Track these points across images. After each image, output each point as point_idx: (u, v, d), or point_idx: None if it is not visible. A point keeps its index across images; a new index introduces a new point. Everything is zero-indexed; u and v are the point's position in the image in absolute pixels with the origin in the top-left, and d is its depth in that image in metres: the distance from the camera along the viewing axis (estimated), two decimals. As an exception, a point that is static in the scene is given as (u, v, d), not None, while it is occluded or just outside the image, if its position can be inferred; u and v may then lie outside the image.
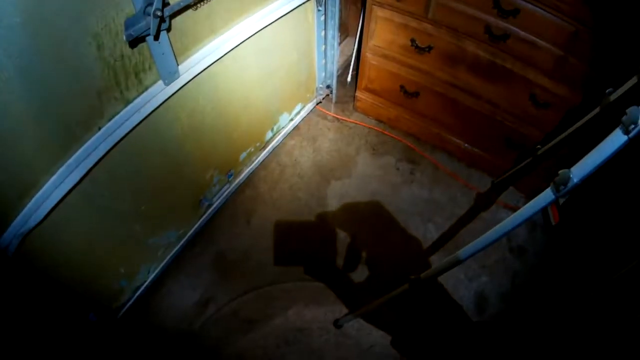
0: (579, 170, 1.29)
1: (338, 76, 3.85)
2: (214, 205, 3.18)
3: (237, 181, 3.31)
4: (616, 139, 1.21)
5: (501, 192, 3.50)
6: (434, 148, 3.75)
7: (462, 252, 1.74)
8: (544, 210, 3.33)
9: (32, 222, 1.86)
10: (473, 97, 3.15)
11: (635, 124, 1.15)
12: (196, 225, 3.10)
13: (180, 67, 2.20)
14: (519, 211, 1.50)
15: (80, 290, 2.39)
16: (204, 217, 3.14)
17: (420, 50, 3.09)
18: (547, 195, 1.41)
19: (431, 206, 3.40)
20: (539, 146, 2.87)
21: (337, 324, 2.79)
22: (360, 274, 3.05)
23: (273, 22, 2.72)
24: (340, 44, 3.56)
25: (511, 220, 1.52)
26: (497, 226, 1.58)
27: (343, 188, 3.45)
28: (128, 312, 2.80)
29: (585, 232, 3.11)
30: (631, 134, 1.18)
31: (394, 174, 3.57)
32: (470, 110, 3.23)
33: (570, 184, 1.31)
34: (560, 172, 1.32)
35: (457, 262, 1.78)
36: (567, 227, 3.13)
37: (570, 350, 2.77)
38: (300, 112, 3.79)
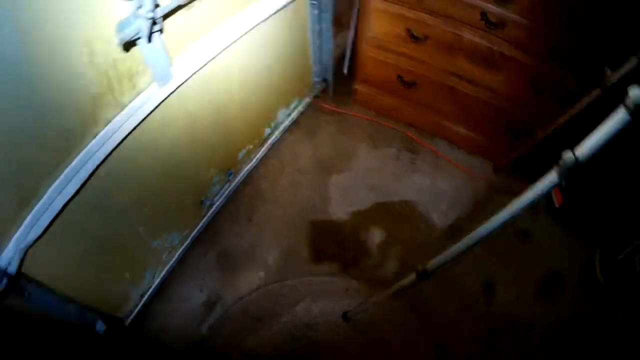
0: (583, 152, 1.28)
1: (334, 69, 3.83)
2: (215, 205, 3.16)
3: (237, 179, 3.28)
4: (619, 119, 1.20)
5: (505, 178, 3.49)
6: (434, 137, 3.74)
7: (467, 240, 1.73)
8: (547, 193, 3.30)
9: (34, 235, 1.84)
10: (471, 85, 3.13)
11: (638, 104, 1.13)
12: (199, 226, 3.07)
13: (173, 68, 2.17)
14: (523, 195, 1.51)
15: (85, 300, 2.37)
16: (206, 217, 3.11)
17: (416, 40, 3.06)
18: (551, 177, 1.41)
19: (434, 195, 3.39)
20: (539, 130, 2.86)
21: (346, 317, 2.77)
22: (366, 267, 3.04)
23: (267, 17, 2.70)
24: (335, 36, 3.53)
25: (515, 204, 1.53)
26: (502, 212, 1.58)
27: (345, 181, 3.44)
28: (136, 319, 2.77)
29: (590, 213, 3.11)
30: (635, 115, 1.16)
31: (396, 165, 3.56)
32: (469, 98, 3.20)
33: (573, 166, 1.30)
34: (563, 153, 1.31)
35: (462, 251, 1.77)
36: (571, 209, 3.13)
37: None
38: (298, 106, 3.76)
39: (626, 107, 1.16)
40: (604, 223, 3.12)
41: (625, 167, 2.82)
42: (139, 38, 1.86)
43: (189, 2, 2.05)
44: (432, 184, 3.46)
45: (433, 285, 2.86)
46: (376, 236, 3.16)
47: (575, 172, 1.32)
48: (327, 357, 2.73)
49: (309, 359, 2.71)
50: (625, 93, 1.15)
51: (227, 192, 3.22)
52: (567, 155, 1.30)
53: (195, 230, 3.06)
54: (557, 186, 1.47)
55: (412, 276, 2.07)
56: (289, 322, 2.81)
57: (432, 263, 1.94)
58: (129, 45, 1.87)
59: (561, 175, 1.36)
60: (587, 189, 2.94)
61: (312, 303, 2.87)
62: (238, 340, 2.77)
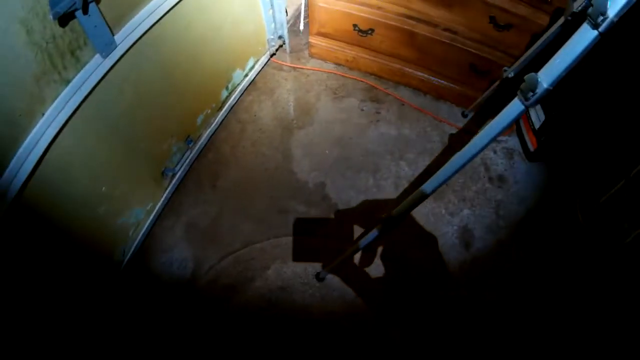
0: (548, 73, 1.18)
1: (290, 25, 3.74)
2: (178, 175, 3.08)
3: (197, 146, 3.19)
4: (585, 35, 1.10)
5: (474, 122, 3.43)
6: (398, 84, 3.66)
7: (432, 180, 1.68)
8: (521, 137, 3.27)
9: None
10: (430, 27, 3.05)
11: (603, 14, 1.03)
12: (163, 198, 3.00)
13: (116, 37, 2.08)
14: (487, 127, 1.39)
15: None
16: (169, 188, 3.04)
17: (367, -16, 2.96)
18: (515, 105, 1.30)
19: (401, 143, 3.32)
20: (506, 68, 2.78)
21: (319, 277, 2.73)
22: (335, 223, 2.98)
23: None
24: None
25: (480, 137, 1.43)
26: (466, 146, 1.48)
27: (307, 137, 3.36)
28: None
29: (566, 156, 3.07)
30: (602, 27, 1.06)
31: (359, 116, 3.49)
32: (430, 40, 3.13)
33: (539, 90, 1.20)
34: (526, 77, 1.21)
35: (426, 195, 1.71)
36: (546, 152, 3.08)
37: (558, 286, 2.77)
38: (254, 66, 3.66)
39: (590, 18, 1.07)
40: (583, 166, 3.08)
41: (602, 108, 2.78)
42: (74, 10, 1.77)
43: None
44: (398, 132, 3.38)
45: (409, 237, 2.86)
46: (343, 191, 3.10)
47: (541, 98, 1.22)
48: (305, 319, 2.67)
49: (287, 322, 2.66)
50: (590, 5, 1.06)
51: (188, 160, 3.13)
52: (530, 78, 1.20)
53: (160, 203, 2.99)
54: (530, 130, 1.38)
55: (378, 227, 2.00)
56: (262, 286, 2.76)
57: (397, 210, 1.87)
58: (65, 19, 1.79)
59: (526, 102, 1.26)
60: (564, 132, 2.91)
61: (283, 265, 2.82)
62: (213, 311, 2.71)
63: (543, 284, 2.77)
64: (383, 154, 3.26)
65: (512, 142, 3.29)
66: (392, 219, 1.90)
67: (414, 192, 1.75)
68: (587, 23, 1.08)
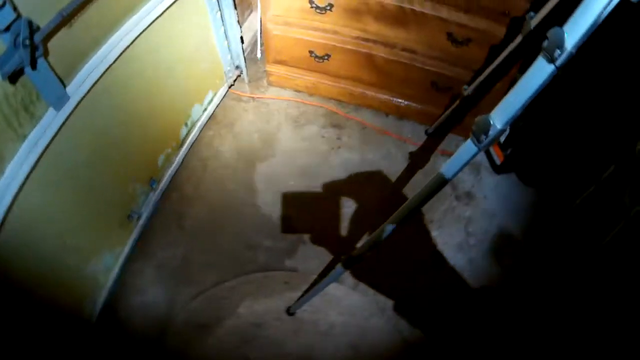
0: (501, 115, 1.16)
1: (247, 52, 3.72)
2: (143, 217, 3.04)
3: (160, 187, 3.16)
4: (540, 70, 1.06)
5: (438, 139, 3.43)
6: (359, 107, 3.65)
7: (392, 219, 1.64)
8: (486, 151, 3.28)
9: None
10: (388, 47, 3.06)
11: (561, 48, 0.99)
12: (130, 241, 2.96)
13: (68, 88, 2.05)
14: (442, 169, 1.37)
15: None
16: (136, 231, 3.00)
17: (320, 10, 2.96)
18: (468, 148, 1.27)
19: (365, 168, 3.32)
20: (465, 86, 2.79)
21: (289, 311, 2.72)
22: (302, 256, 2.97)
23: (160, 15, 2.57)
24: (245, 20, 3.42)
25: (433, 182, 1.41)
26: (421, 190, 1.47)
27: (270, 168, 3.34)
28: None
29: (535, 165, 3.08)
30: (558, 62, 1.01)
31: (321, 143, 3.47)
32: (388, 62, 3.14)
33: (492, 132, 1.17)
34: (477, 118, 1.19)
35: (387, 234, 1.68)
36: (513, 164, 3.09)
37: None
38: (213, 99, 3.64)
39: (546, 52, 1.02)
40: (552, 172, 3.09)
41: (567, 115, 2.79)
42: (22, 67, 1.75)
43: (70, 19, 1.94)
44: (361, 157, 3.37)
45: (378, 263, 2.84)
46: (309, 222, 3.09)
47: (494, 139, 1.20)
48: (281, 353, 2.67)
49: (261, 356, 2.66)
50: (544, 37, 1.02)
51: (152, 201, 3.09)
52: (482, 121, 1.18)
53: (128, 247, 2.95)
54: (496, 144, 1.36)
55: (339, 265, 2.00)
56: (235, 325, 2.74)
57: (358, 250, 1.87)
58: (15, 76, 1.76)
59: (479, 144, 1.23)
60: (530, 142, 2.92)
61: (254, 301, 2.81)
62: (188, 352, 2.69)
63: (519, 300, 2.77)
64: (347, 180, 3.25)
65: (478, 157, 3.27)
66: (352, 259, 1.90)
67: (377, 230, 1.73)
68: (543, 57, 1.04)
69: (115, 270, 2.86)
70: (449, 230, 3.02)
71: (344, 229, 3.04)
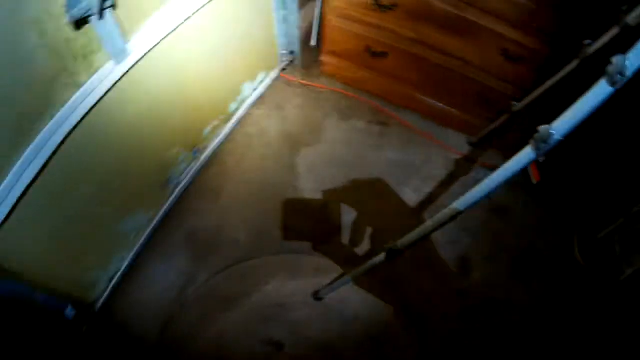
0: (561, 126, 1.21)
1: (302, 41, 3.74)
2: (182, 184, 3.08)
3: (203, 157, 3.20)
4: (601, 91, 1.13)
5: (479, 151, 3.44)
6: (406, 109, 3.65)
7: (439, 217, 1.69)
8: (524, 170, 3.28)
9: None
10: (442, 55, 3.05)
11: (622, 74, 1.06)
12: (165, 206, 3.00)
13: (129, 44, 2.08)
14: (496, 172, 1.44)
15: (53, 286, 2.33)
16: (173, 196, 3.04)
17: (383, 8, 2.97)
18: (527, 153, 1.34)
19: (406, 169, 3.33)
20: (514, 103, 2.80)
21: (317, 296, 2.74)
22: (336, 244, 2.98)
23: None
24: (303, 7, 3.44)
25: (488, 182, 1.47)
26: (475, 188, 1.53)
27: (313, 155, 3.36)
28: (105, 303, 2.73)
29: (568, 190, 3.08)
30: (618, 85, 1.09)
31: (365, 137, 3.48)
32: (441, 68, 3.13)
33: (551, 141, 1.23)
34: (540, 128, 1.24)
35: (434, 229, 1.73)
36: (548, 186, 3.10)
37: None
38: (264, 80, 3.66)
39: (608, 76, 1.09)
40: (583, 201, 3.09)
41: (605, 145, 2.79)
42: (90, 15, 1.77)
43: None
44: (403, 158, 3.38)
45: (407, 262, 2.87)
46: (346, 213, 3.10)
47: (552, 148, 1.25)
48: (300, 337, 2.68)
49: (281, 339, 2.67)
50: (607, 64, 1.08)
51: (193, 170, 3.14)
52: (543, 130, 1.23)
53: (162, 211, 2.99)
54: (533, 162, 1.40)
55: (382, 255, 2.02)
56: (259, 301, 2.77)
57: (403, 241, 1.89)
58: (80, 23, 1.78)
59: (537, 151, 1.29)
60: (566, 166, 2.92)
61: (283, 282, 2.83)
62: (208, 322, 2.72)
63: (538, 318, 2.78)
64: (388, 177, 3.27)
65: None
66: (395, 251, 1.92)
67: (421, 226, 1.78)
68: (605, 80, 1.11)
69: (146, 232, 2.91)
70: (480, 239, 3.04)
71: (379, 224, 3.06)
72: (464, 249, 3.00)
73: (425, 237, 1.79)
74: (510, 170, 1.42)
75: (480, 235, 3.06)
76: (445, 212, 1.65)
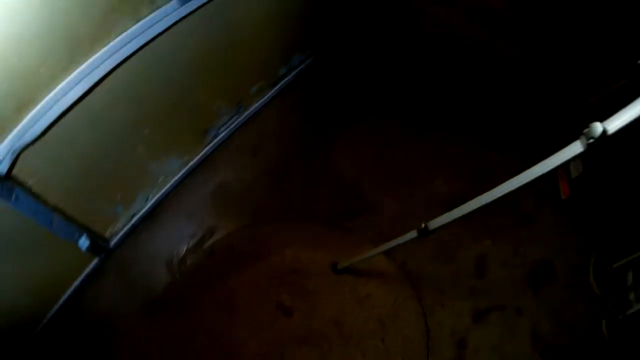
0: (613, 123, 1.23)
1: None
2: (220, 136, 3.08)
3: (246, 114, 3.19)
4: None
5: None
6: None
7: (474, 201, 1.72)
8: (553, 182, 3.27)
9: (29, 137, 1.83)
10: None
11: None
12: (201, 154, 3.01)
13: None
14: (543, 161, 1.44)
15: (72, 213, 2.36)
16: (209, 146, 3.04)
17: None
18: (575, 146, 1.34)
19: (441, 160, 3.33)
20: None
21: (335, 268, 2.75)
22: (362, 221, 3.00)
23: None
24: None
25: (534, 169, 1.47)
26: (517, 176, 1.53)
27: (357, 135, 3.35)
28: (121, 240, 2.75)
29: (593, 213, 3.07)
30: None
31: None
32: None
33: (601, 137, 1.24)
34: (591, 124, 1.25)
35: (468, 213, 1.76)
36: (575, 204, 3.09)
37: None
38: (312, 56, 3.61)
39: None
40: (606, 226, 3.09)
41: (635, 177, 2.79)
42: None
43: None
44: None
45: (427, 252, 2.88)
46: (377, 193, 3.10)
47: (600, 147, 1.26)
48: (311, 305, 2.72)
49: (293, 304, 2.71)
50: None
51: (234, 124, 3.14)
52: (595, 126, 1.24)
53: (196, 159, 3.00)
54: (565, 178, 1.42)
55: (413, 233, 2.04)
56: (276, 264, 2.81)
57: (434, 222, 1.92)
58: None
59: (586, 146, 1.29)
60: (595, 189, 2.92)
61: (303, 250, 2.86)
62: (222, 275, 2.77)
63: (544, 333, 2.79)
64: (419, 167, 3.27)
65: (544, 185, 3.30)
66: (427, 231, 1.95)
67: (455, 210, 1.81)
68: None
69: (176, 177, 2.92)
70: (500, 243, 3.03)
71: (409, 208, 3.07)
72: (484, 250, 3.00)
73: (454, 221, 1.83)
74: (558, 160, 1.39)
75: (501, 238, 3.06)
76: (482, 197, 1.68)
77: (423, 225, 1.97)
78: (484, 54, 3.11)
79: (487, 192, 1.63)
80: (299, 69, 3.53)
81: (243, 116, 3.18)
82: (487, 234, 3.04)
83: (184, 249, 2.85)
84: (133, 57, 2.03)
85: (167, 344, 2.72)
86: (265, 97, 3.31)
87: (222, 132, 3.08)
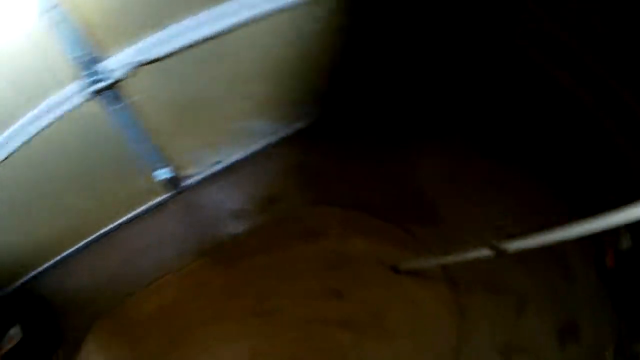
0: None
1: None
2: (316, 117, 3.02)
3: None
4: None
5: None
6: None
7: (563, 230, 1.72)
8: (599, 248, 3.21)
9: (152, 55, 2.01)
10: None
11: None
12: (296, 126, 2.98)
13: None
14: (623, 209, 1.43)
15: (160, 145, 2.51)
16: (303, 122, 3.00)
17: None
18: None
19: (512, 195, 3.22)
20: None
21: (398, 268, 2.77)
22: (435, 230, 2.97)
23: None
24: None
25: (618, 216, 1.46)
26: (600, 217, 1.53)
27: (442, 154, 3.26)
28: (192, 186, 2.89)
29: (634, 292, 3.02)
30: None
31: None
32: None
33: None
34: None
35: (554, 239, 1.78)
36: (619, 277, 3.08)
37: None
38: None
39: None
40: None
41: None
42: None
43: None
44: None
45: (480, 276, 2.92)
46: (451, 204, 3.09)
47: None
48: (360, 294, 2.78)
49: (344, 287, 2.80)
50: None
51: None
52: None
53: (291, 130, 2.97)
54: (612, 248, 1.42)
55: (486, 249, 2.09)
56: (337, 247, 2.88)
57: (513, 244, 1.95)
58: None
59: None
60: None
61: (366, 239, 2.90)
62: (283, 245, 2.90)
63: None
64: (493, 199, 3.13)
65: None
66: (501, 252, 2.02)
67: (537, 236, 1.84)
68: None
69: (260, 142, 2.96)
70: (537, 289, 3.04)
71: (483, 226, 2.98)
72: (524, 291, 3.03)
73: (534, 246, 1.87)
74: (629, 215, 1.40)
75: (542, 285, 3.07)
76: (569, 229, 1.69)
77: (497, 244, 2.02)
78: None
79: (576, 224, 1.64)
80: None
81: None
82: (529, 278, 3.08)
83: (252, 208, 2.95)
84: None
85: (214, 293, 2.88)
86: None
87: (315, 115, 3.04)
